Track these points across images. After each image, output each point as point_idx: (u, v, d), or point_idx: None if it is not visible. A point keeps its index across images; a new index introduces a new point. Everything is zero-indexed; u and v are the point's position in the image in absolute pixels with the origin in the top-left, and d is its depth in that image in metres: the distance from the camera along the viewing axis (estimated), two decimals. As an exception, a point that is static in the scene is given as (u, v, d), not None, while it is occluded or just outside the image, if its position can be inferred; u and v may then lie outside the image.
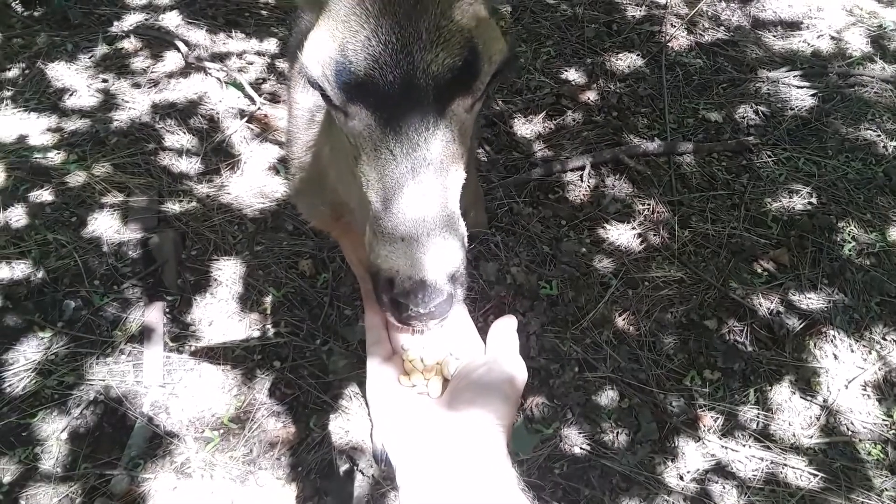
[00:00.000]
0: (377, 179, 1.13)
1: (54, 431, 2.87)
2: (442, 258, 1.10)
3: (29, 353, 3.07)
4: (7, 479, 2.74)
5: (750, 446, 2.93)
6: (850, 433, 2.97)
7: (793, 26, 4.83)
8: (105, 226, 3.50)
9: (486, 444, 1.07)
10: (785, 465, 2.88)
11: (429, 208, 1.10)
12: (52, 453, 2.82)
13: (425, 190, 1.10)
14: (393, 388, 1.20)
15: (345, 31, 1.08)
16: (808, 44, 4.70)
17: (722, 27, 4.81)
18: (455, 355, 1.25)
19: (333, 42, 1.09)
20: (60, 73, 4.26)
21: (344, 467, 2.85)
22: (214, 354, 3.13)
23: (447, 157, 1.15)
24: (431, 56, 1.06)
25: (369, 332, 1.29)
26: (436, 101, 1.09)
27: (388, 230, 1.11)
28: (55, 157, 3.78)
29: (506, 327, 1.27)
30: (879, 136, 4.08)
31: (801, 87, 4.36)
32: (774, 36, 4.76)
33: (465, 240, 1.19)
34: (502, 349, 1.23)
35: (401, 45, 1.05)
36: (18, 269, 3.30)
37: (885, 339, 3.22)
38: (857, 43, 4.70)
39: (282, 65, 4.43)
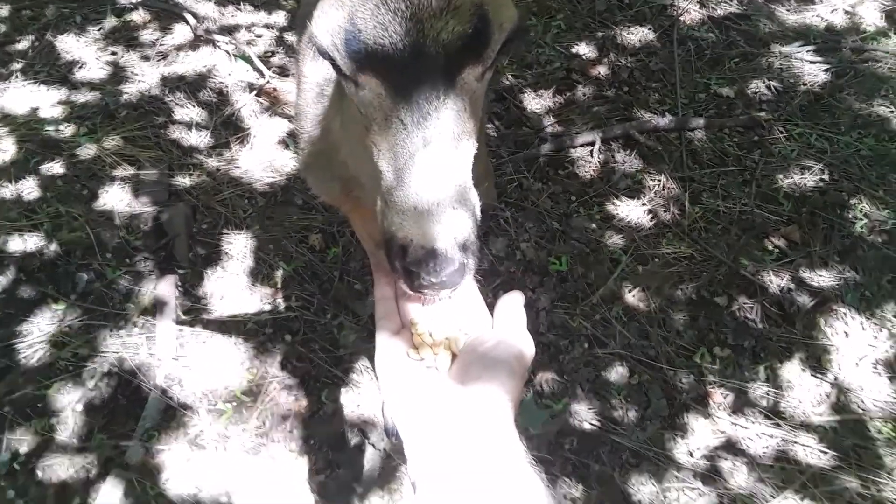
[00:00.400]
0: (388, 149, 1.13)
1: (69, 403, 2.90)
2: (453, 227, 1.10)
3: (43, 324, 3.09)
4: (24, 449, 2.77)
5: (760, 423, 2.95)
6: (860, 411, 2.98)
7: (806, 0, 4.77)
8: (116, 199, 3.51)
9: (493, 418, 1.08)
10: (795, 442, 2.89)
11: (440, 178, 1.10)
12: (68, 424, 2.85)
13: (437, 160, 1.10)
14: (402, 361, 1.21)
15: (354, 0, 1.08)
16: (822, 18, 4.65)
17: (735, 0, 4.76)
18: (464, 330, 1.26)
19: (342, 11, 1.09)
20: (69, 45, 4.24)
21: (355, 440, 2.88)
22: (226, 328, 3.15)
23: (458, 127, 1.14)
24: (441, 24, 1.06)
25: (378, 305, 1.29)
26: (446, 69, 1.09)
27: (400, 200, 1.11)
28: (66, 130, 3.77)
29: (513, 302, 1.28)
30: (893, 112, 4.05)
31: (815, 62, 4.31)
32: (788, 10, 4.70)
33: (478, 210, 1.19)
34: (510, 324, 1.24)
35: (410, 12, 1.04)
36: (31, 242, 3.32)
37: None
38: (872, 17, 4.64)
39: (290, 38, 4.40)
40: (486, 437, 1.06)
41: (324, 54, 1.15)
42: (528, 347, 1.20)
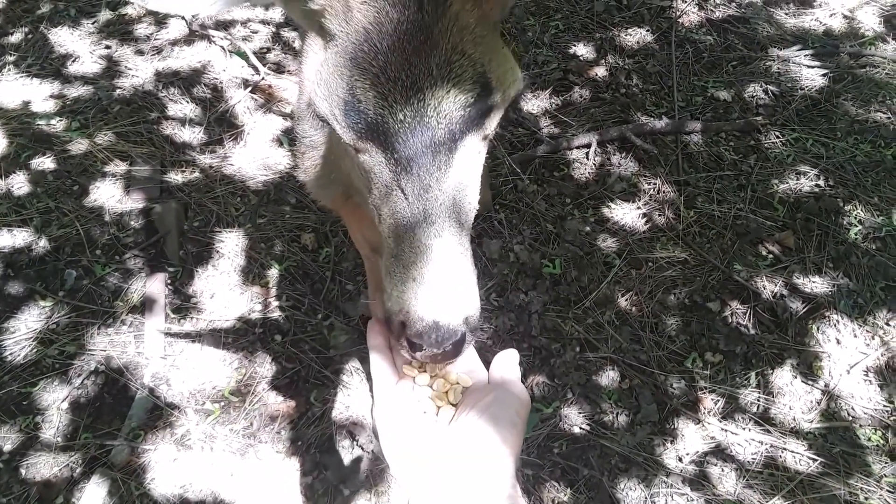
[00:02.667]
0: (389, 216, 1.12)
1: (55, 401, 2.88)
2: (456, 299, 1.09)
3: (30, 321, 3.07)
4: (8, 447, 2.76)
5: (750, 429, 2.94)
6: (850, 418, 2.97)
7: (805, 4, 4.75)
8: (107, 195, 3.49)
9: (495, 472, 1.08)
10: (784, 448, 2.88)
11: (443, 248, 1.09)
12: (53, 422, 2.83)
13: (439, 230, 1.08)
14: (402, 413, 1.19)
15: (353, 69, 1.05)
16: (821, 22, 4.63)
17: (734, 3, 4.74)
18: (462, 383, 1.25)
19: (341, 80, 1.06)
20: (63, 38, 4.22)
21: (344, 442, 2.86)
22: (216, 327, 3.13)
23: (460, 194, 1.13)
24: (442, 93, 1.04)
25: (374, 354, 1.27)
26: (448, 139, 1.07)
27: (401, 270, 1.10)
28: (57, 124, 3.75)
29: (509, 358, 1.28)
30: (889, 118, 4.03)
31: (812, 67, 4.30)
32: (786, 13, 4.69)
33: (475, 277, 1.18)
34: (507, 378, 1.24)
35: (410, 82, 1.03)
36: (20, 237, 3.29)
37: (888, 325, 3.21)
38: (870, 22, 4.63)
39: (287, 34, 4.37)
40: (488, 492, 1.06)
41: (323, 121, 1.13)
42: (525, 401, 1.19)
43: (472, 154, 1.15)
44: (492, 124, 1.14)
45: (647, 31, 4.51)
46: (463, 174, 1.13)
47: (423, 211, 1.07)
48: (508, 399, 1.18)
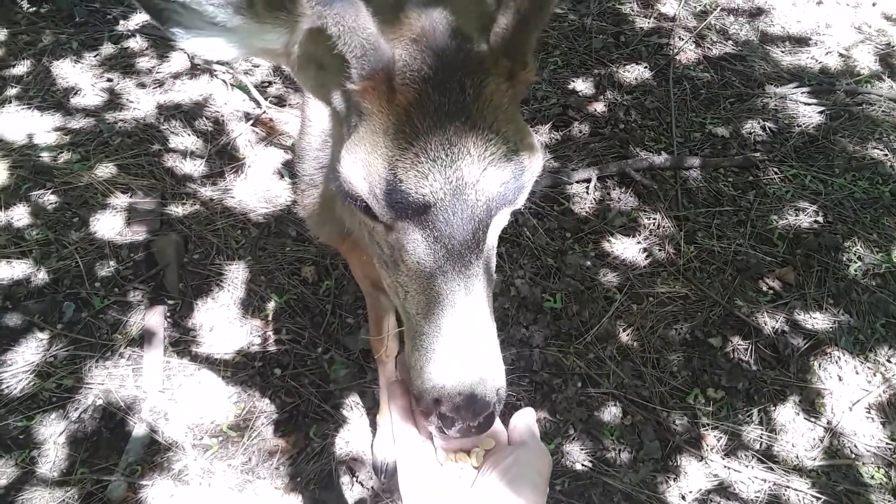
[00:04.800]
0: (421, 292, 1.12)
1: (52, 435, 2.84)
2: (490, 373, 1.09)
3: (28, 354, 3.04)
4: (3, 482, 2.71)
5: (753, 467, 2.91)
6: (853, 456, 2.95)
7: (801, 42, 4.82)
8: (107, 227, 3.48)
9: None
10: (787, 486, 2.86)
11: (479, 324, 1.09)
12: (50, 457, 2.79)
13: (476, 306, 1.09)
14: (426, 474, 1.19)
15: (393, 148, 1.06)
16: (817, 60, 4.69)
17: (730, 41, 4.80)
18: (484, 444, 1.25)
19: (381, 159, 1.07)
20: (65, 71, 4.24)
21: (344, 478, 2.83)
22: (215, 360, 3.11)
23: (490, 267, 1.15)
24: (481, 172, 1.06)
25: (395, 413, 1.25)
26: (486, 215, 1.08)
27: (434, 346, 1.09)
28: (58, 157, 3.75)
29: (527, 417, 1.28)
30: (887, 155, 4.07)
31: (809, 104, 4.34)
32: (782, 51, 4.75)
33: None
34: (526, 438, 1.24)
35: (450, 160, 1.04)
36: (19, 269, 3.28)
37: (889, 362, 3.20)
38: (866, 60, 4.69)
39: (288, 68, 4.40)
40: None
41: (357, 201, 1.13)
42: (546, 461, 1.19)
43: (502, 224, 1.18)
44: (522, 199, 1.16)
45: (645, 67, 4.56)
46: (492, 243, 1.16)
47: (464, 287, 1.08)
48: (529, 459, 1.18)
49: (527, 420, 1.27)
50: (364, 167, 1.09)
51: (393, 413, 1.25)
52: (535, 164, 1.14)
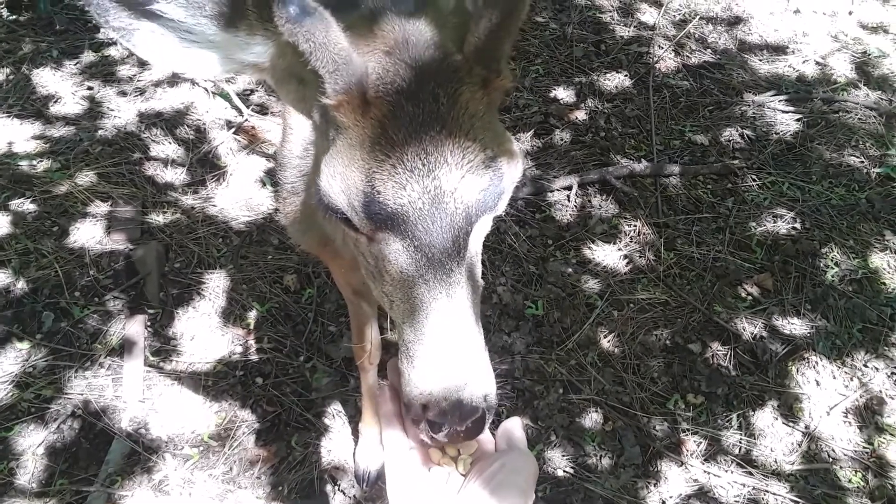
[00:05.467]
0: (405, 300, 1.13)
1: (31, 446, 2.82)
2: (478, 379, 1.11)
3: (6, 364, 3.02)
4: (-20, 494, 2.69)
5: (732, 472, 2.94)
6: (831, 460, 2.98)
7: (778, 50, 4.88)
8: (87, 236, 3.46)
9: None
10: (766, 490, 2.88)
11: (463, 329, 1.11)
12: (28, 468, 2.77)
13: (459, 312, 1.10)
14: (414, 481, 1.20)
15: (369, 161, 1.07)
16: (794, 68, 4.75)
17: (709, 49, 4.85)
18: (470, 450, 1.26)
19: (358, 172, 1.08)
20: (45, 79, 4.22)
21: (326, 487, 2.83)
22: (196, 370, 3.09)
23: (474, 274, 1.16)
24: (459, 180, 1.07)
25: (384, 420, 1.27)
26: (465, 223, 1.09)
27: (421, 354, 1.10)
28: (38, 165, 3.73)
29: (513, 425, 1.30)
30: (863, 162, 4.12)
31: (787, 112, 4.40)
32: (760, 60, 4.81)
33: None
34: (512, 445, 1.26)
35: (427, 170, 1.05)
36: (-3, 279, 3.26)
37: (866, 366, 3.24)
38: (842, 69, 4.75)
39: (272, 82, 4.40)
40: None
41: (337, 213, 1.14)
42: (533, 468, 1.20)
43: (484, 230, 1.19)
44: (503, 205, 1.17)
45: (626, 75, 4.60)
46: (475, 250, 1.17)
47: (447, 295, 1.09)
48: (516, 466, 1.19)
49: (513, 427, 1.29)
50: (342, 180, 1.09)
51: (382, 419, 1.26)
52: (514, 170, 1.15)
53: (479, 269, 1.21)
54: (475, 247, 1.18)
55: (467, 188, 1.08)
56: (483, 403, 1.11)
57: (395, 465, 1.21)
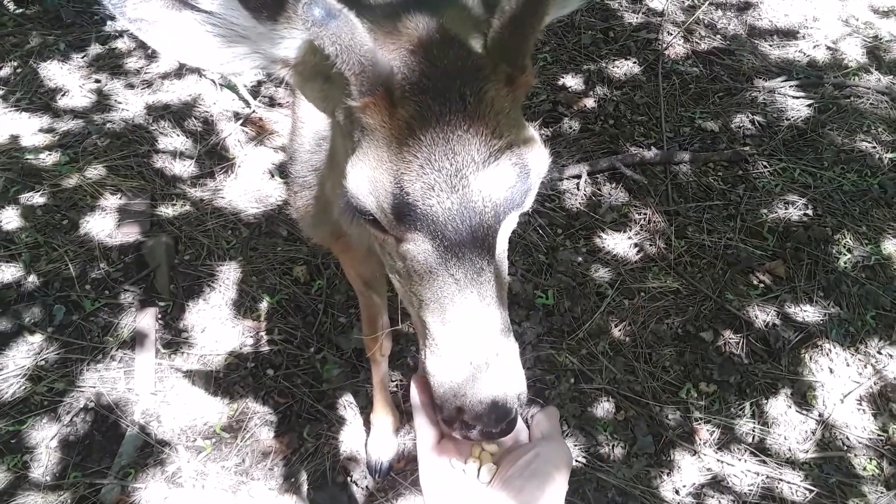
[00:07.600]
0: (435, 301, 1.11)
1: (44, 439, 2.83)
2: (510, 380, 1.10)
3: (19, 358, 3.03)
4: (-5, 487, 2.70)
5: (746, 460, 2.93)
6: (845, 448, 2.97)
7: (789, 35, 4.83)
8: (97, 229, 3.46)
9: None
10: (780, 479, 2.87)
11: (495, 330, 1.10)
12: (42, 461, 2.78)
13: (490, 311, 1.09)
14: (446, 472, 1.20)
15: (397, 162, 1.06)
16: (805, 53, 4.70)
17: (718, 35, 4.81)
18: (504, 443, 1.26)
19: (387, 174, 1.07)
20: (53, 72, 4.22)
21: (338, 478, 2.83)
22: (207, 362, 3.10)
23: (502, 271, 1.15)
24: (487, 179, 1.06)
25: (416, 412, 1.27)
26: (494, 221, 1.09)
27: (452, 355, 1.09)
28: (47, 159, 3.73)
29: (549, 415, 1.29)
30: (875, 147, 4.08)
31: (797, 98, 4.36)
32: (771, 45, 4.76)
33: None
34: (547, 435, 1.25)
35: (455, 168, 1.05)
36: (8, 273, 3.26)
37: (880, 353, 3.22)
38: (854, 53, 4.71)
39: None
40: None
41: (366, 215, 1.13)
42: (567, 458, 1.20)
43: (511, 227, 1.18)
44: (530, 201, 1.16)
45: (635, 62, 4.56)
46: (503, 247, 1.16)
47: (478, 294, 1.08)
48: (549, 456, 1.18)
49: (549, 417, 1.29)
50: (370, 182, 1.09)
51: (414, 411, 1.25)
52: (540, 166, 1.14)
53: (506, 266, 1.20)
54: (503, 244, 1.17)
55: (495, 186, 1.07)
56: (516, 403, 1.11)
57: (427, 455, 1.21)
